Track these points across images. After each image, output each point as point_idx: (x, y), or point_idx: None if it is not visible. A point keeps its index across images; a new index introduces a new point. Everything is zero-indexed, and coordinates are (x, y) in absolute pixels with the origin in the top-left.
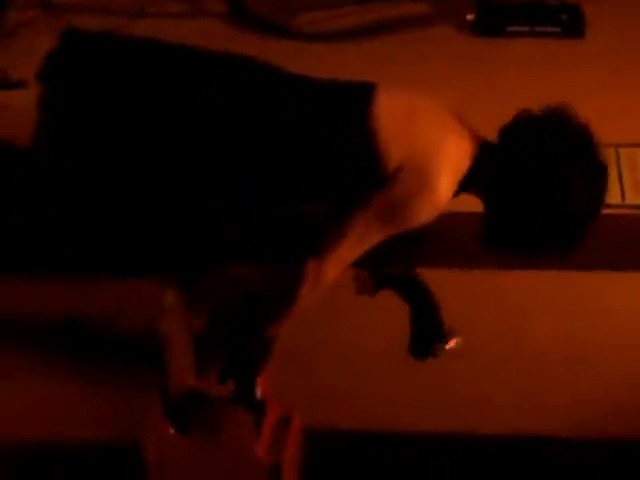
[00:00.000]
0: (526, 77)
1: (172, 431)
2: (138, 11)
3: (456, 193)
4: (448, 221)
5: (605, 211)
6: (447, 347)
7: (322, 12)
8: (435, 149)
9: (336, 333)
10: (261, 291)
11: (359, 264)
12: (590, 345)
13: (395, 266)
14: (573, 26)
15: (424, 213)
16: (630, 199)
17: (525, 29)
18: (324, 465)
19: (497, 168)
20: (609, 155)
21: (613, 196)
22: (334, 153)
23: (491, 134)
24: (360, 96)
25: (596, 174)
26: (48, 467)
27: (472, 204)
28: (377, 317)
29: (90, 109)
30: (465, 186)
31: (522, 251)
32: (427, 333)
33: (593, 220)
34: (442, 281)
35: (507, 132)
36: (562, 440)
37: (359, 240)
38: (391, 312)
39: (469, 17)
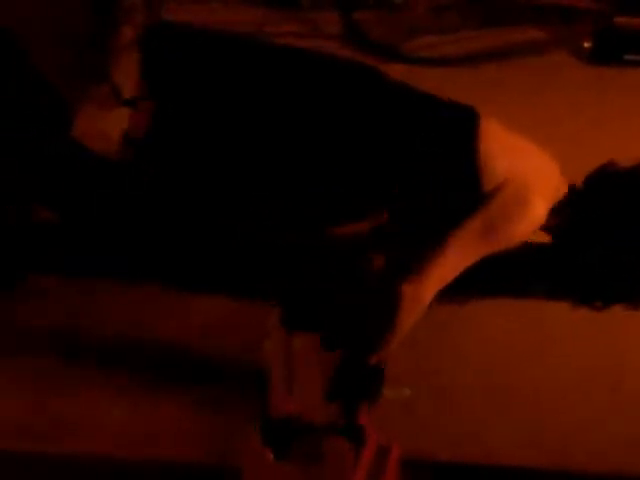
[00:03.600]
0: None
1: (271, 457)
2: (255, 30)
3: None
4: None
5: None
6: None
7: (437, 37)
8: (537, 170)
9: (436, 363)
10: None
11: None
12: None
13: None
14: None
15: (521, 231)
16: None
17: None
18: None
19: (574, 212)
20: None
21: None
22: (437, 166)
23: (605, 160)
24: (467, 115)
25: None
26: None
27: None
28: (474, 350)
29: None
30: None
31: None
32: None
33: None
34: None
35: (591, 181)
36: None
37: (457, 259)
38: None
39: (586, 45)
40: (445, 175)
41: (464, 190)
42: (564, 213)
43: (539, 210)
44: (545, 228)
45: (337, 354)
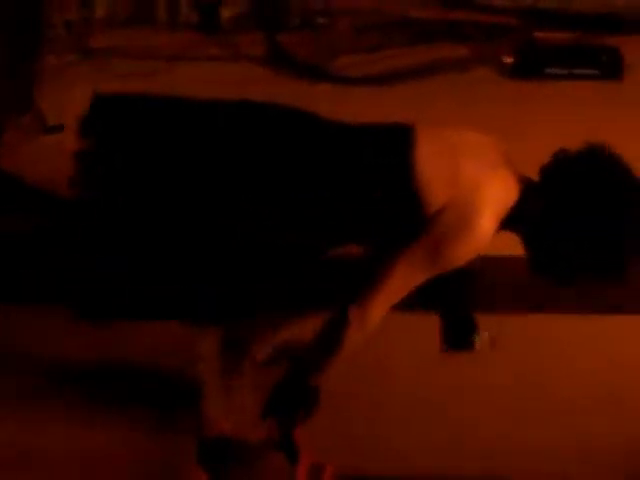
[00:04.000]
0: (565, 119)
1: (205, 478)
2: (177, 54)
3: (497, 231)
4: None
5: None
6: (481, 339)
7: (361, 55)
8: (477, 188)
9: (367, 378)
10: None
11: None
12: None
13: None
14: (612, 68)
15: (466, 252)
16: None
17: (564, 72)
18: None
19: (540, 207)
20: None
21: None
22: (376, 195)
23: (530, 175)
24: (400, 138)
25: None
26: None
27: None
28: (407, 362)
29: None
30: (508, 224)
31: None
32: (460, 325)
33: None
34: None
35: (547, 171)
36: None
37: (403, 282)
38: (421, 357)
39: (508, 60)
40: (387, 202)
41: (407, 215)
42: (531, 212)
43: (484, 228)
44: (516, 232)
45: (273, 373)
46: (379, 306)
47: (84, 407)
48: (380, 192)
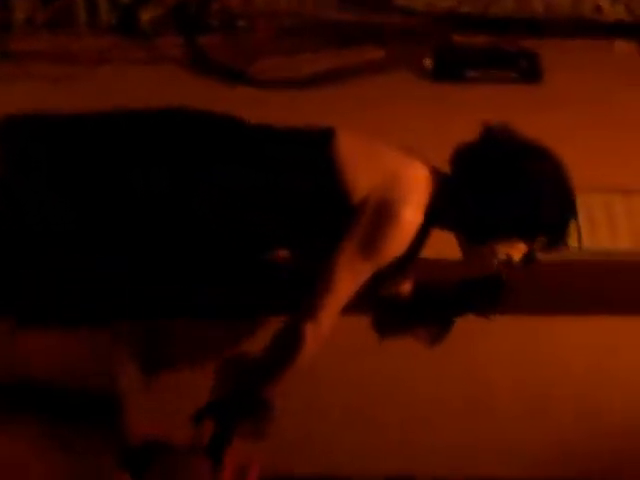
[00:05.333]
0: (483, 121)
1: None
2: (99, 58)
3: (428, 226)
4: None
5: (562, 257)
6: None
7: (281, 59)
8: (397, 179)
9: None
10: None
11: None
12: (543, 389)
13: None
14: (531, 72)
15: (398, 242)
16: (587, 244)
17: (482, 74)
18: None
19: (456, 194)
20: None
21: (570, 241)
22: (300, 189)
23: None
24: (322, 134)
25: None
26: None
27: None
28: (339, 364)
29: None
30: (434, 220)
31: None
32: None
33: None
34: None
35: (454, 161)
36: None
37: (348, 284)
38: (349, 357)
39: (426, 62)
40: (311, 195)
41: (333, 203)
42: (449, 202)
43: (409, 217)
44: (447, 228)
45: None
46: (330, 314)
47: None
48: (304, 186)
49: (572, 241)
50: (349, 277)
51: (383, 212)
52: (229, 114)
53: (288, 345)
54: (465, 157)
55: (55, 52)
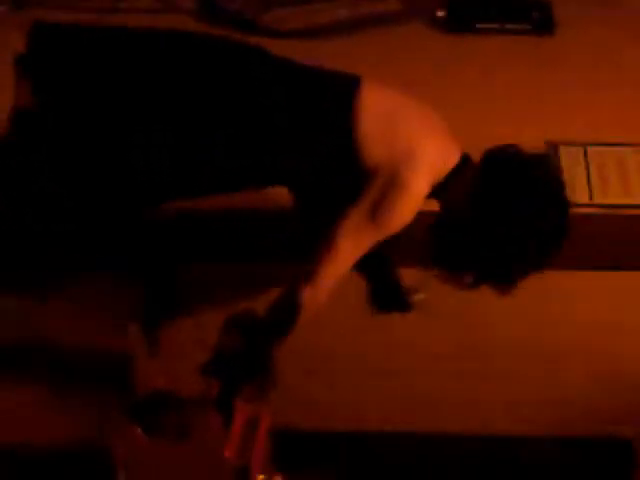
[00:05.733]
0: (495, 74)
1: (140, 432)
2: (110, 7)
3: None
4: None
5: (572, 210)
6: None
7: (293, 9)
8: (413, 150)
9: (304, 333)
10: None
11: None
12: (557, 345)
13: None
14: (543, 23)
15: (405, 212)
16: (597, 199)
17: (495, 26)
18: (294, 466)
19: (473, 187)
20: (577, 154)
21: (580, 196)
22: (315, 141)
23: (459, 130)
24: (346, 89)
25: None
26: (18, 472)
27: None
28: (348, 319)
29: (67, 101)
30: (436, 192)
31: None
32: (390, 286)
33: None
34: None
35: (491, 159)
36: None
37: (349, 252)
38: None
39: (439, 14)
40: (325, 148)
41: (343, 164)
42: (457, 185)
43: (419, 189)
44: (440, 200)
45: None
46: (329, 281)
47: (10, 370)
48: (319, 138)
49: (583, 196)
50: (352, 245)
51: (394, 181)
52: (257, 46)
53: (286, 309)
54: (501, 164)
55: (66, 1)
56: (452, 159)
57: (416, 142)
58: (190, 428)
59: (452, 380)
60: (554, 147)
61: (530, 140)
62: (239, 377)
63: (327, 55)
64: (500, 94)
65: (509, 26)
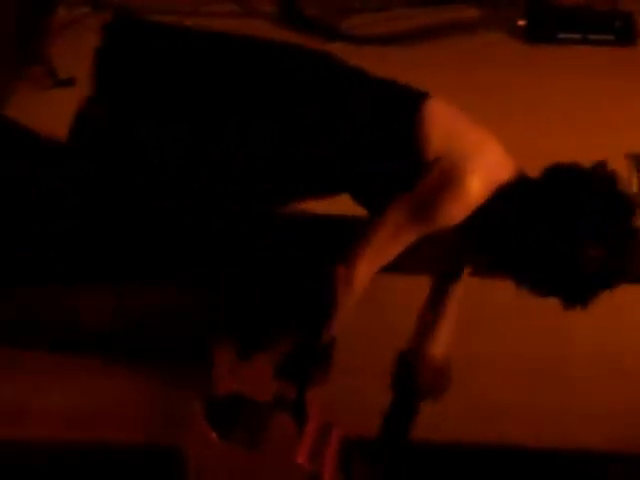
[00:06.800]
0: (577, 85)
1: (214, 435)
2: (189, 10)
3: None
4: None
5: None
6: None
7: (372, 15)
8: (475, 150)
9: (379, 342)
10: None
11: None
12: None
13: None
14: (625, 33)
15: (454, 211)
16: None
17: (577, 36)
18: (363, 474)
19: (527, 203)
20: None
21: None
22: (373, 136)
23: (537, 141)
24: (414, 96)
25: (621, 251)
26: (91, 468)
27: None
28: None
29: (141, 97)
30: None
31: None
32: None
33: (603, 289)
34: None
35: (551, 177)
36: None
37: (390, 241)
38: None
39: (520, 23)
40: (383, 144)
41: (403, 156)
42: (512, 199)
43: (474, 190)
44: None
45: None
46: (365, 265)
47: (93, 363)
48: (378, 133)
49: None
50: (394, 233)
51: (450, 177)
52: (325, 52)
53: (319, 288)
54: (561, 183)
55: (147, 2)
56: (511, 172)
57: (480, 144)
58: (264, 432)
59: (530, 392)
60: (636, 159)
61: (611, 152)
62: (304, 372)
63: (405, 62)
64: (580, 105)
65: (591, 36)
